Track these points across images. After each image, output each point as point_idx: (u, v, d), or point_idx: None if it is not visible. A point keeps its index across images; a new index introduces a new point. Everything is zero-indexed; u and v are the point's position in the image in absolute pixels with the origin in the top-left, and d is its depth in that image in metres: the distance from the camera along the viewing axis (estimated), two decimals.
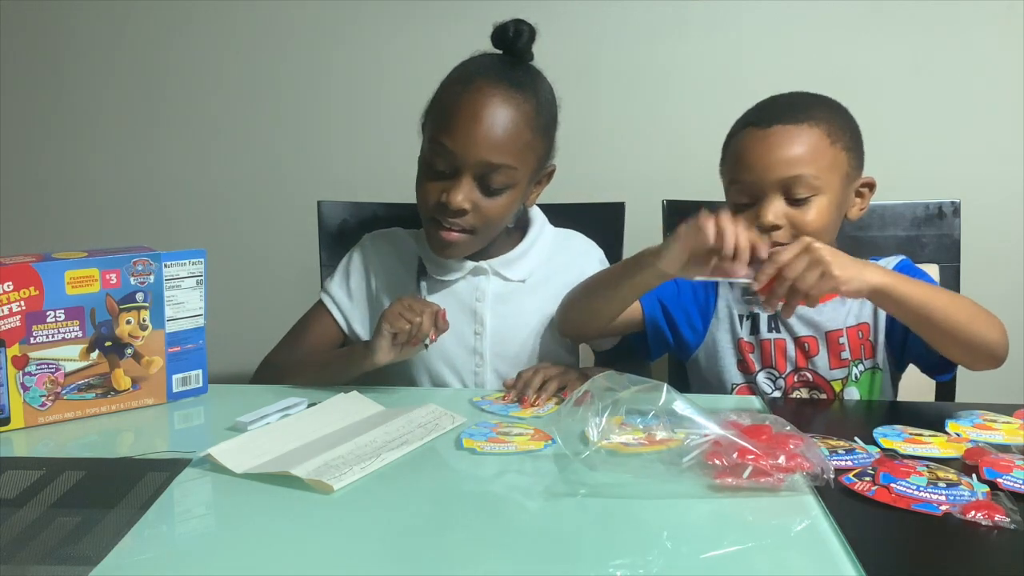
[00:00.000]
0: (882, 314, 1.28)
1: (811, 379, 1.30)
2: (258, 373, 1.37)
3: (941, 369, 1.26)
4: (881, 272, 1.08)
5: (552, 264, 1.38)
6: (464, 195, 1.24)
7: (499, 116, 1.23)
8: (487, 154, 1.23)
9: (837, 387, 1.29)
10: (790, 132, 1.22)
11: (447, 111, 1.26)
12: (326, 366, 1.29)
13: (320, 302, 1.43)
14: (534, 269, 1.37)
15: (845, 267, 1.04)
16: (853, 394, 1.29)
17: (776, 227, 1.22)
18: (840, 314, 1.29)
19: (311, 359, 1.34)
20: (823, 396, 1.30)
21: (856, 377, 1.29)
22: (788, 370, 1.30)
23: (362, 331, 1.40)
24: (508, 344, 1.36)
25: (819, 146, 1.22)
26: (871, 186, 1.29)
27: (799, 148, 1.22)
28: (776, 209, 1.22)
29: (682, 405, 0.93)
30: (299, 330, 1.42)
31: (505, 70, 1.26)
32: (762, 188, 1.23)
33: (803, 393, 1.30)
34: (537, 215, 1.42)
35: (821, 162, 1.22)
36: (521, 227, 1.41)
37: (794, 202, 1.22)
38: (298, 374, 1.29)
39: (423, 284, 1.35)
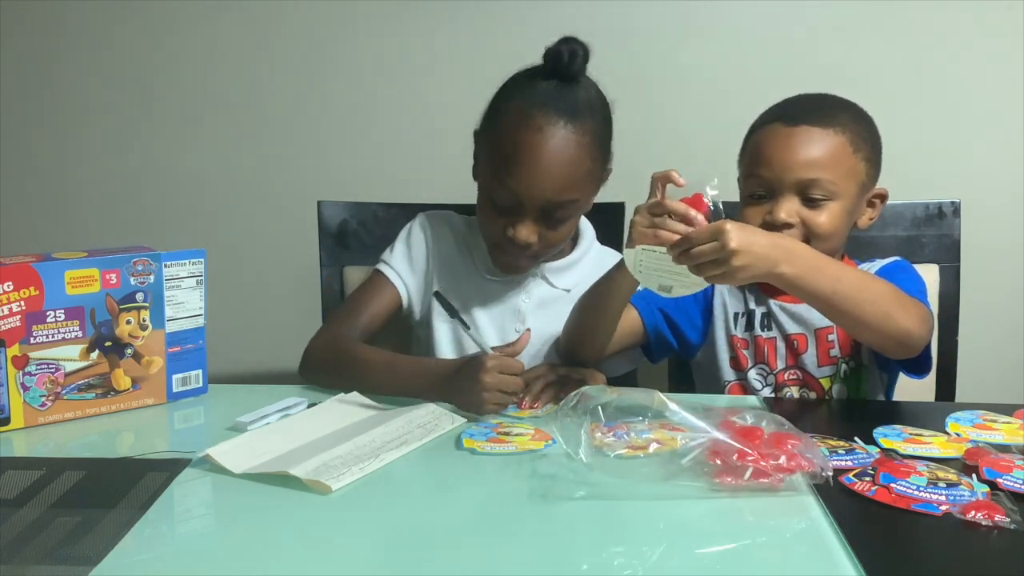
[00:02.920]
0: None
1: (800, 377, 1.30)
2: (315, 354, 1.30)
3: (908, 368, 1.24)
4: (794, 264, 1.05)
5: (594, 279, 1.37)
6: (530, 231, 1.26)
7: (562, 156, 1.21)
8: (552, 195, 1.23)
9: (826, 384, 1.30)
10: (815, 134, 1.22)
11: (507, 151, 1.23)
12: (397, 375, 1.22)
13: (377, 274, 1.40)
14: (579, 280, 1.37)
15: (752, 268, 1.02)
16: (842, 392, 1.29)
17: (788, 226, 1.22)
18: None
19: (379, 360, 1.25)
20: (812, 394, 1.30)
21: (845, 374, 1.29)
22: (779, 367, 1.31)
23: (418, 304, 1.40)
24: (543, 348, 1.36)
25: (841, 153, 1.22)
26: (883, 197, 1.30)
27: (821, 152, 1.22)
28: (790, 208, 1.22)
29: (676, 409, 0.93)
30: (354, 306, 1.37)
31: (562, 101, 1.22)
32: (779, 186, 1.23)
33: (794, 391, 1.30)
34: (588, 228, 1.42)
35: (840, 169, 1.22)
36: (574, 235, 1.40)
37: (809, 202, 1.22)
38: (365, 373, 1.23)
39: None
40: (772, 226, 1.22)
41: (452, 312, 1.23)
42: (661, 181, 1.09)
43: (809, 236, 1.23)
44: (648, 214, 1.07)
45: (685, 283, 1.05)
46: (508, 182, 1.23)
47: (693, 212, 1.03)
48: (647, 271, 1.07)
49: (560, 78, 1.23)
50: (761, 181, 1.25)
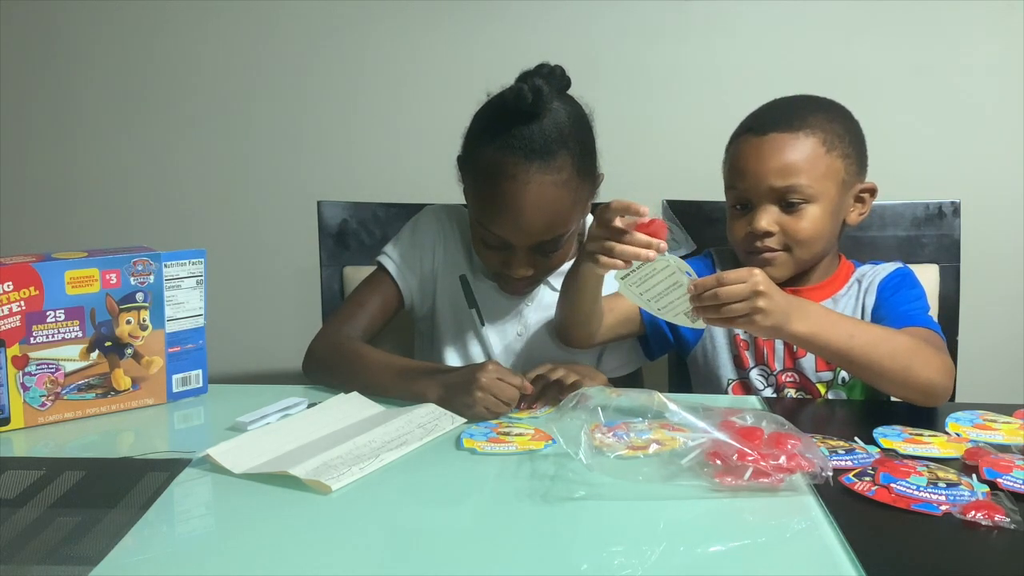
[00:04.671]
0: (869, 321, 1.29)
1: (798, 380, 1.31)
2: (317, 353, 1.30)
3: None
4: (807, 321, 1.08)
5: None
6: (525, 267, 1.27)
7: (541, 201, 1.20)
8: (539, 236, 1.23)
9: (822, 389, 1.30)
10: (784, 141, 1.23)
11: (486, 200, 1.23)
12: (384, 384, 1.21)
13: (379, 270, 1.39)
14: None
15: (772, 315, 1.04)
16: (840, 397, 1.30)
17: (769, 234, 1.24)
18: None
19: (381, 361, 1.24)
20: (809, 398, 1.30)
21: (844, 381, 1.29)
22: (778, 369, 1.31)
23: (420, 300, 1.40)
24: (544, 350, 1.36)
25: (814, 155, 1.23)
26: (872, 191, 1.30)
27: (793, 157, 1.22)
28: (769, 217, 1.24)
29: (676, 409, 0.93)
30: (357, 304, 1.37)
31: (532, 142, 1.19)
32: (755, 196, 1.25)
33: (792, 393, 1.31)
34: None
35: (815, 171, 1.22)
36: (579, 236, 1.39)
37: (787, 208, 1.23)
38: (363, 371, 1.22)
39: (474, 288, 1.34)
40: (754, 235, 1.24)
41: (472, 302, 1.23)
42: (620, 213, 1.03)
43: (790, 243, 1.24)
44: (608, 240, 1.03)
45: (683, 294, 1.04)
46: (492, 229, 1.24)
47: (655, 241, 1.01)
48: (658, 301, 1.06)
49: (526, 119, 1.19)
50: (739, 193, 1.27)
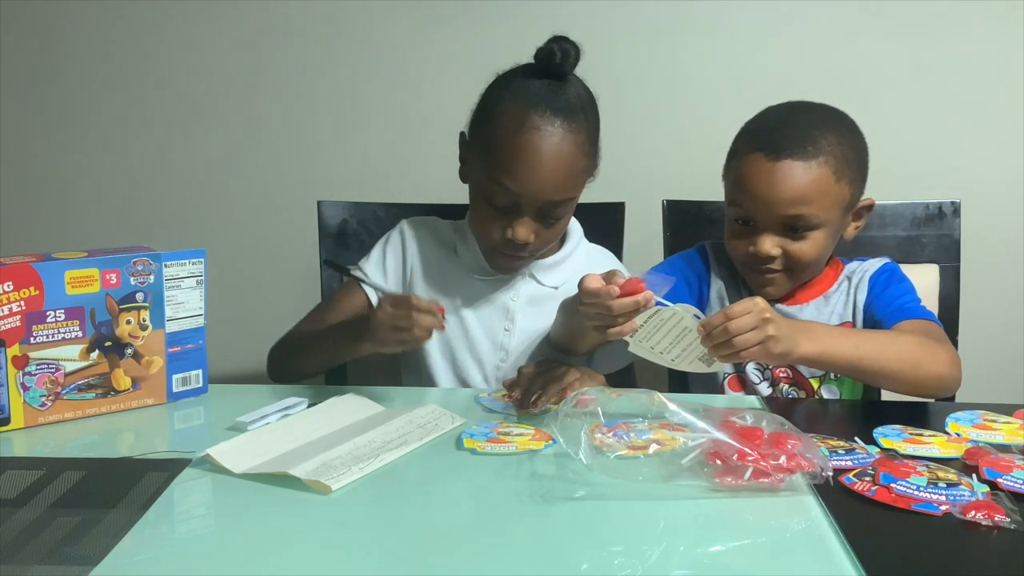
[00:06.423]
0: (861, 316, 1.30)
1: (791, 375, 1.32)
2: (274, 351, 1.37)
3: None
4: (814, 341, 1.09)
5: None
6: (528, 230, 1.27)
7: (559, 156, 1.22)
8: (551, 194, 1.24)
9: (815, 384, 1.31)
10: (798, 169, 1.21)
11: (504, 153, 1.23)
12: (328, 337, 1.29)
13: (350, 281, 1.42)
14: (568, 278, 1.38)
15: (783, 340, 1.05)
16: (834, 392, 1.31)
17: (772, 258, 1.25)
18: (823, 314, 1.31)
19: (317, 327, 1.33)
20: (802, 393, 1.31)
21: (835, 376, 1.30)
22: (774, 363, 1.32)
23: None
24: (533, 344, 1.37)
25: (825, 185, 1.22)
26: (869, 208, 1.31)
27: (805, 188, 1.21)
28: (773, 241, 1.25)
29: (676, 409, 0.93)
30: (324, 306, 1.42)
31: (556, 100, 1.23)
32: (762, 219, 1.24)
33: (786, 388, 1.32)
34: (576, 226, 1.43)
35: (825, 201, 1.22)
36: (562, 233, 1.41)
37: (791, 233, 1.24)
38: (305, 345, 1.31)
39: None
40: (756, 258, 1.24)
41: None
42: (596, 291, 1.00)
43: (792, 265, 1.25)
44: (600, 312, 1.01)
45: (695, 338, 1.04)
46: (506, 183, 1.23)
47: (640, 299, 0.98)
48: (670, 351, 1.05)
49: (552, 77, 1.24)
50: (743, 212, 1.26)
